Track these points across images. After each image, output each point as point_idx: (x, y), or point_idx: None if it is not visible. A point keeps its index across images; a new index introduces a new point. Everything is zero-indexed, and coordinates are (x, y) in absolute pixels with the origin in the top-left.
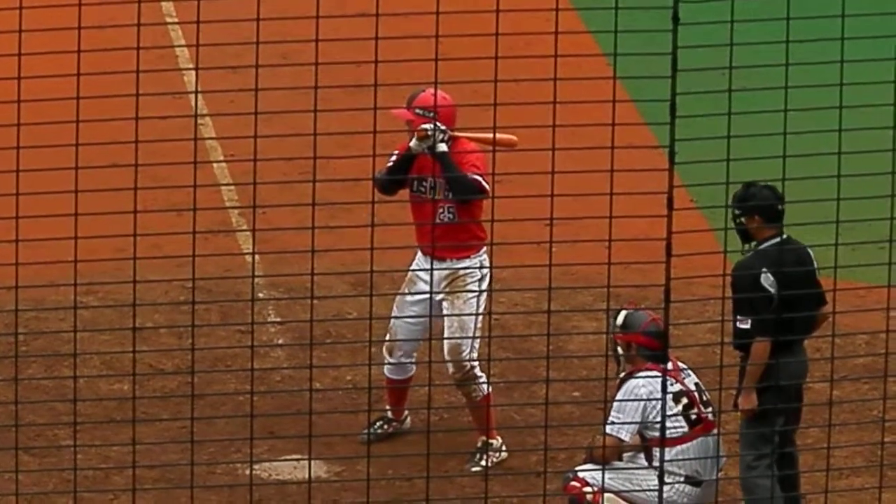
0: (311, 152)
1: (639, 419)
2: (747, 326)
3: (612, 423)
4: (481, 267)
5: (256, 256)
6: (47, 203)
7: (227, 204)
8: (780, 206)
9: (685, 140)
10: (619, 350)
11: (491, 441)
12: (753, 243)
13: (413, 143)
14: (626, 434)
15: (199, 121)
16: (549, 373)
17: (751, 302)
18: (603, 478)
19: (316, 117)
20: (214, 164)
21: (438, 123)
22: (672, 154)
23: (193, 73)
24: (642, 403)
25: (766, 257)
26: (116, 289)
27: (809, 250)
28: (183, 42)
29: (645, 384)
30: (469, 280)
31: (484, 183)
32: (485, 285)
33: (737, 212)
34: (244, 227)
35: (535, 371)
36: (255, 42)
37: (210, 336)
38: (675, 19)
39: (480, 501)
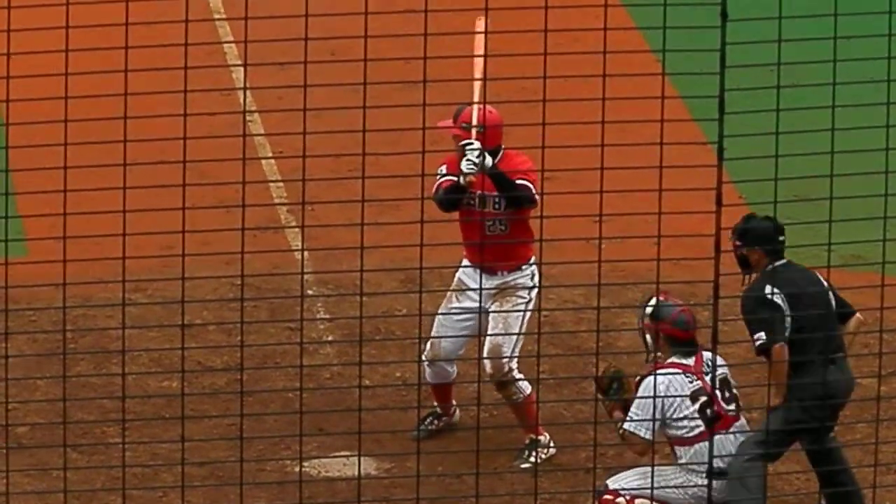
0: (360, 149)
1: (657, 416)
2: (763, 340)
3: (631, 419)
4: (532, 276)
5: (305, 253)
6: (95, 200)
7: (276, 200)
8: (780, 238)
9: (734, 136)
10: (648, 339)
11: (538, 438)
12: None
13: (462, 180)
14: (645, 431)
15: (248, 117)
16: (599, 369)
17: (761, 317)
18: (653, 484)
19: (365, 114)
20: (263, 161)
21: (479, 148)
22: (721, 150)
23: (242, 69)
24: (659, 402)
25: (770, 276)
26: (165, 286)
27: (817, 273)
28: (231, 38)
29: (662, 381)
30: (520, 290)
31: (535, 192)
32: (534, 294)
33: (738, 242)
34: (293, 224)
35: (584, 367)
36: (304, 38)
37: (259, 333)
38: (724, 15)
39: (530, 498)
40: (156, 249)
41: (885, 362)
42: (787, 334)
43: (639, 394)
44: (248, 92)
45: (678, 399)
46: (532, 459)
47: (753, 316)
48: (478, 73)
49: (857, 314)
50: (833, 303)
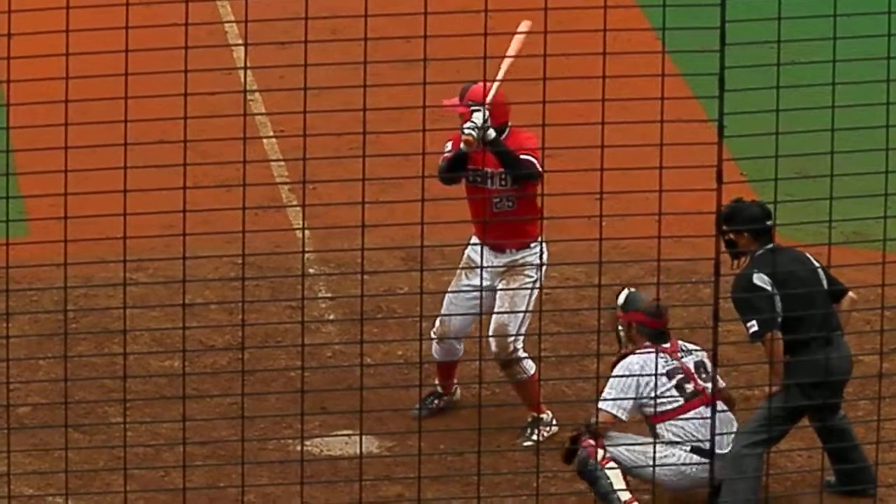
0: (361, 127)
1: (632, 395)
2: (756, 328)
3: (605, 399)
4: (541, 255)
5: (307, 232)
6: (96, 179)
7: (277, 179)
8: (767, 223)
9: (734, 113)
10: (620, 328)
11: (541, 416)
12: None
13: (462, 146)
14: (620, 411)
15: (249, 96)
16: (600, 347)
17: (751, 303)
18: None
19: (366, 92)
20: (264, 140)
21: (484, 114)
22: (721, 128)
23: (243, 48)
24: (635, 380)
25: (758, 260)
26: (166, 265)
27: (807, 253)
28: (232, 18)
29: (638, 360)
30: (528, 268)
31: (538, 165)
32: (542, 272)
33: (724, 227)
34: (294, 203)
35: (585, 345)
36: (305, 17)
37: (260, 312)
38: None
39: (532, 476)
40: (157, 229)
41: (887, 339)
42: (779, 317)
43: (614, 374)
44: (248, 71)
45: (653, 378)
46: (534, 437)
47: (743, 301)
48: (511, 52)
49: (850, 293)
50: (824, 282)
